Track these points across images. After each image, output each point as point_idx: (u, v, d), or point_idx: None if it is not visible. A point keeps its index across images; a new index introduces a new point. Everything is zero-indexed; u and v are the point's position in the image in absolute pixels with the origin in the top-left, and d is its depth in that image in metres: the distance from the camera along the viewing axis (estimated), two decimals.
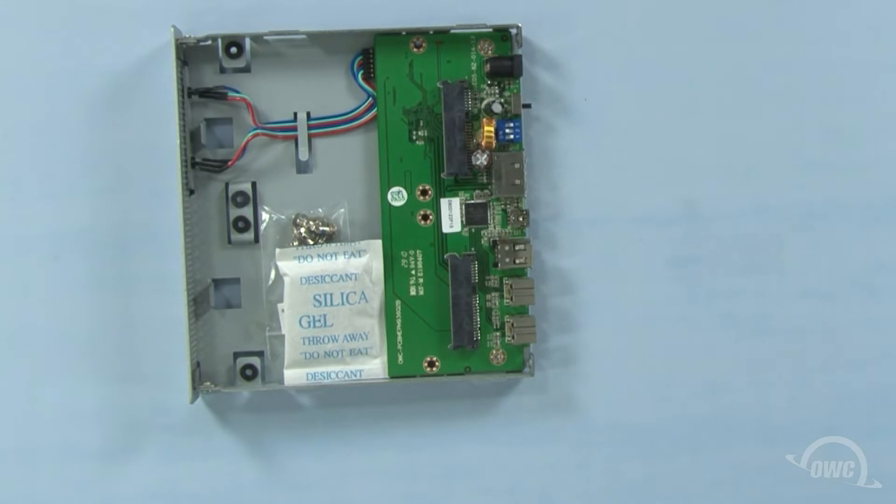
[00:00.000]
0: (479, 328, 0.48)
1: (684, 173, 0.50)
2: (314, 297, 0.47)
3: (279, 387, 0.48)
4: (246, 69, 0.48)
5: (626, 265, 0.50)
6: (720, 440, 0.50)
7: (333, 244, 0.48)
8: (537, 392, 0.50)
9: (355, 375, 0.48)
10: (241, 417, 0.49)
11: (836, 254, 0.50)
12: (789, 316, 0.50)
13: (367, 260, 0.47)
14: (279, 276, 0.48)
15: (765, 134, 0.50)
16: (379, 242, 0.48)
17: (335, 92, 0.49)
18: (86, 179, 0.49)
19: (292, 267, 0.47)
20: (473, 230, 0.49)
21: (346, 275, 0.47)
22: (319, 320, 0.47)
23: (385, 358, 0.48)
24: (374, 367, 0.48)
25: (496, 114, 0.48)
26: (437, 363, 0.48)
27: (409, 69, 0.48)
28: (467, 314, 0.48)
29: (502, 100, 0.48)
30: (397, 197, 0.48)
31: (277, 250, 0.48)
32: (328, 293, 0.47)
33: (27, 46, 0.49)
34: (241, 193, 0.48)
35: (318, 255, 0.47)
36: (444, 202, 0.48)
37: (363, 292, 0.47)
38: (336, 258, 0.47)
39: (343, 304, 0.47)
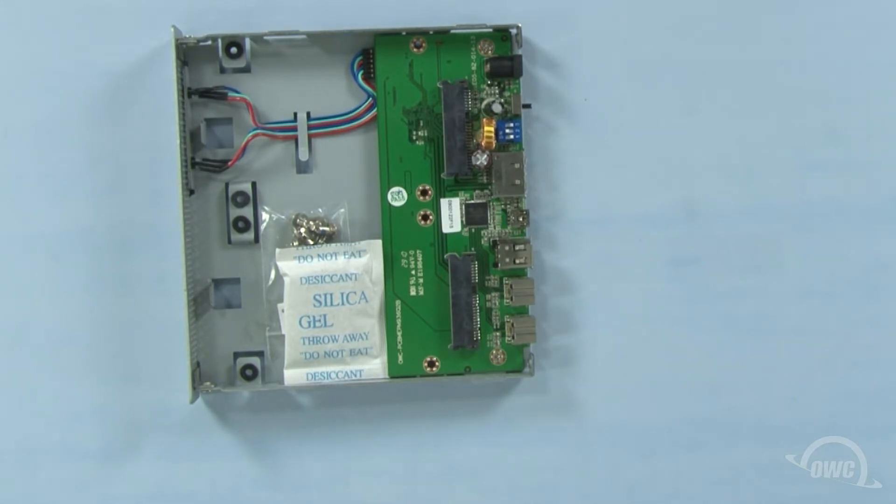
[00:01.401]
0: (479, 328, 0.48)
1: (684, 173, 0.50)
2: (314, 297, 0.47)
3: (279, 387, 0.48)
4: (246, 69, 0.48)
5: (626, 265, 0.50)
6: (720, 440, 0.50)
7: (333, 244, 0.48)
8: (537, 392, 0.50)
9: (355, 375, 0.48)
10: (241, 417, 0.49)
11: (836, 254, 0.50)
12: (789, 316, 0.50)
13: (367, 260, 0.47)
14: (279, 276, 0.48)
15: (765, 134, 0.50)
16: (379, 242, 0.48)
17: (335, 92, 0.49)
18: (86, 179, 0.49)
19: (292, 267, 0.47)
20: (473, 230, 0.49)
21: (346, 275, 0.47)
22: (319, 320, 0.47)
23: (385, 358, 0.48)
24: (374, 367, 0.48)
25: (496, 114, 0.48)
26: (437, 363, 0.48)
27: (409, 69, 0.48)
28: (467, 314, 0.48)
29: (502, 100, 0.48)
30: (397, 197, 0.48)
31: (277, 250, 0.48)
32: (328, 293, 0.47)
33: (27, 46, 0.49)
34: (241, 193, 0.48)
35: (318, 255, 0.47)
36: (444, 202, 0.48)
37: (363, 292, 0.47)
38: (336, 258, 0.47)
39: (343, 304, 0.47)
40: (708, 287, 0.50)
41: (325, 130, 0.49)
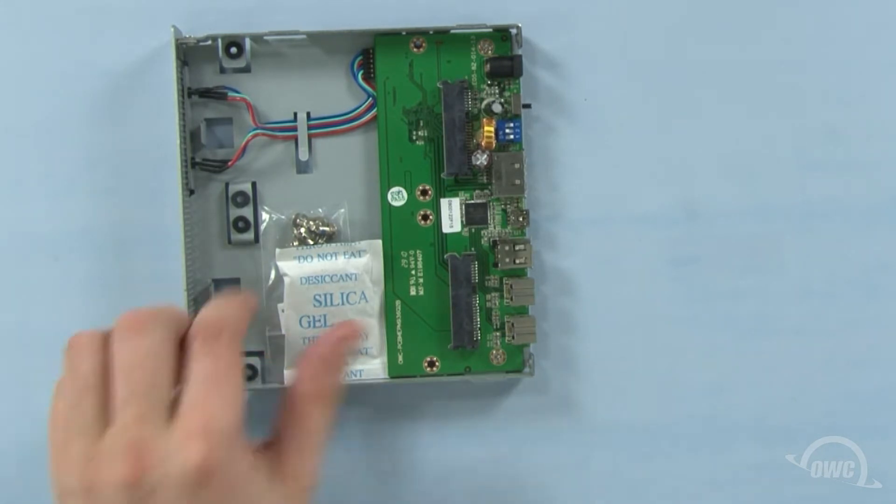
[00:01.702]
0: (479, 328, 0.48)
1: (684, 173, 0.50)
2: (314, 298, 0.47)
3: (279, 387, 0.48)
4: (246, 69, 0.48)
5: (626, 265, 0.50)
6: (720, 440, 0.50)
7: (333, 244, 0.48)
8: (537, 392, 0.50)
9: (355, 375, 0.48)
10: None
11: (836, 254, 0.50)
12: (789, 316, 0.50)
13: (367, 260, 0.47)
14: (279, 276, 0.48)
15: (765, 134, 0.50)
16: (379, 242, 0.48)
17: (335, 92, 0.49)
18: (86, 179, 0.49)
19: (292, 267, 0.47)
20: (473, 230, 0.49)
21: (346, 275, 0.47)
22: (319, 320, 0.47)
23: (385, 358, 0.48)
24: (375, 367, 0.48)
25: (496, 114, 0.48)
26: (437, 363, 0.48)
27: (409, 69, 0.48)
28: (467, 314, 0.48)
29: (502, 100, 0.48)
30: (397, 197, 0.48)
31: (277, 250, 0.48)
32: (328, 293, 0.47)
33: (28, 46, 0.49)
34: (241, 193, 0.48)
35: (318, 256, 0.47)
36: (444, 202, 0.48)
37: (363, 292, 0.47)
38: (336, 258, 0.47)
39: (343, 304, 0.47)
40: (708, 287, 0.50)
41: (325, 130, 0.49)
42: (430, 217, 0.48)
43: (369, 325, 0.48)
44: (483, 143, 0.47)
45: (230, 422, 0.37)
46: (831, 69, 0.50)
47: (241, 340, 0.41)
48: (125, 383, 0.38)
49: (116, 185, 0.49)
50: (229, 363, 0.38)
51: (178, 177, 0.46)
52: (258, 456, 0.40)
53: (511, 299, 0.48)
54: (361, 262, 0.47)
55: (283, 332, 0.48)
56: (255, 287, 0.49)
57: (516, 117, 0.48)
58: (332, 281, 0.47)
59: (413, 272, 0.48)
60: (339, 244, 0.48)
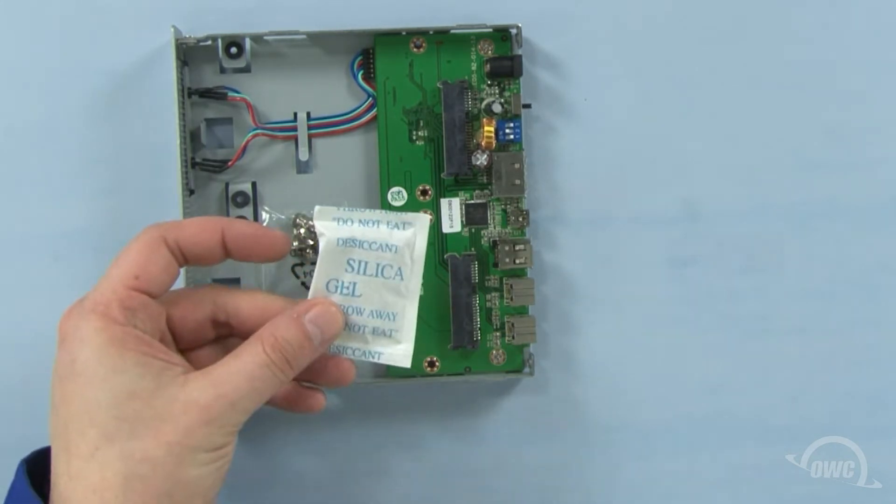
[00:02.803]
0: (479, 328, 0.48)
1: (684, 173, 0.50)
2: (348, 262, 0.43)
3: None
4: (246, 69, 0.48)
5: (626, 265, 0.50)
6: (720, 440, 0.50)
7: (378, 210, 0.43)
8: (537, 392, 0.50)
9: (374, 357, 0.43)
10: None
11: (836, 254, 0.50)
12: (789, 316, 0.50)
13: (410, 234, 0.43)
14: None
15: (765, 134, 0.50)
16: (427, 218, 0.43)
17: (335, 92, 0.49)
18: (86, 179, 0.49)
19: (330, 228, 0.43)
20: (473, 230, 0.49)
21: (387, 245, 0.43)
22: (348, 287, 0.43)
23: (411, 346, 0.43)
24: (397, 352, 0.43)
25: (496, 114, 0.48)
26: (437, 363, 0.48)
27: (409, 69, 0.48)
28: (467, 314, 0.48)
29: (502, 100, 0.48)
30: (397, 197, 0.48)
31: (317, 208, 0.43)
32: (364, 261, 0.43)
33: (28, 46, 0.49)
34: (241, 193, 0.48)
35: (361, 221, 0.43)
36: (444, 202, 0.48)
37: (400, 269, 0.43)
38: (378, 226, 0.43)
39: (377, 275, 0.43)
40: (708, 287, 0.50)
41: (325, 130, 0.49)
42: (431, 217, 0.48)
43: (398, 306, 0.43)
44: (483, 143, 0.47)
45: (88, 298, 0.41)
46: (831, 69, 0.50)
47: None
48: None
49: (116, 185, 0.49)
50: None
51: (178, 177, 0.46)
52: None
53: (511, 299, 0.48)
54: (405, 236, 0.43)
55: (309, 295, 0.43)
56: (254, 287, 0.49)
57: (516, 117, 0.48)
58: (371, 249, 0.43)
59: None
60: (384, 211, 0.43)
